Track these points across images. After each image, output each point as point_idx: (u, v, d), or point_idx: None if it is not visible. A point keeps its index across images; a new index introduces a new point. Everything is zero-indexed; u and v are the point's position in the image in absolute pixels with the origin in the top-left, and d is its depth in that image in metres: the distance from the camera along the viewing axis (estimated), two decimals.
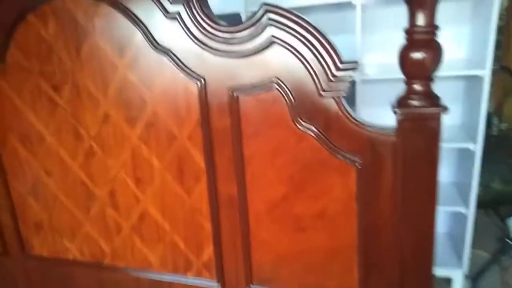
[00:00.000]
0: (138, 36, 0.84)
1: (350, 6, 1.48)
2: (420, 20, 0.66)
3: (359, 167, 0.75)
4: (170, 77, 0.85)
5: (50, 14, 0.90)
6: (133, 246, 1.02)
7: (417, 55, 0.67)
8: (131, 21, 0.83)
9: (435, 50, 0.66)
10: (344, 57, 0.70)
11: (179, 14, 0.78)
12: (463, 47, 1.61)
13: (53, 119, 0.98)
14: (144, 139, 0.91)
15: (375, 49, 1.66)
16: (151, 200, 0.96)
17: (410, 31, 0.67)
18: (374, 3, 1.54)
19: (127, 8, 0.83)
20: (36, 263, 1.15)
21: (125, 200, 0.98)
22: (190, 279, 0.98)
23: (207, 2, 0.79)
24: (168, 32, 0.81)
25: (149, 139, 0.91)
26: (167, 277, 1.00)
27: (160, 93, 0.86)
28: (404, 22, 0.67)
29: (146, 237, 1.00)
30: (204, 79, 0.82)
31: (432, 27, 0.66)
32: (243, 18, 1.60)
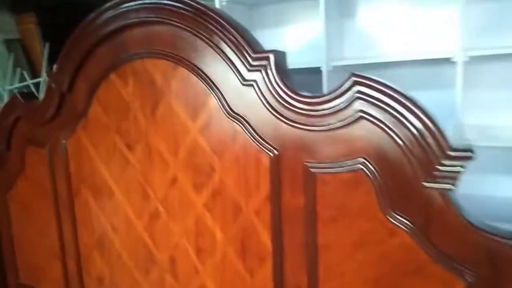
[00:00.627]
0: (212, 101, 0.78)
1: (448, 62, 1.31)
2: None
3: (469, 280, 0.57)
4: (241, 146, 0.76)
5: (130, 74, 0.89)
6: None
7: None
8: (206, 86, 0.78)
9: None
10: (453, 142, 0.55)
11: (255, 82, 0.70)
12: None
13: (124, 176, 0.95)
14: (209, 207, 0.83)
15: (477, 108, 1.43)
16: (210, 274, 0.86)
17: None
18: (477, 60, 1.34)
19: (204, 73, 0.77)
20: None
21: (185, 270, 0.90)
22: None
23: (287, 70, 0.70)
24: (243, 99, 0.74)
25: (214, 208, 0.82)
26: None
27: (230, 161, 0.78)
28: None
29: None
30: (278, 151, 0.72)
31: None
32: (324, 71, 1.51)
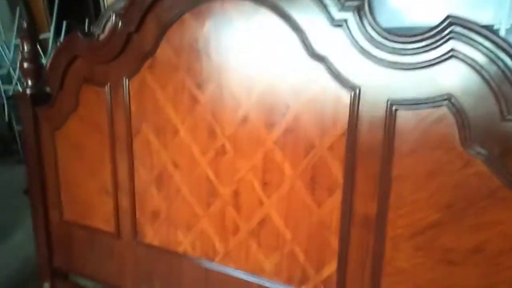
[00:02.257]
0: (294, 41, 0.80)
1: None
2: None
3: None
4: (321, 85, 0.80)
5: (207, 14, 0.90)
6: (248, 249, 0.97)
7: None
8: (290, 26, 0.80)
9: None
10: None
11: (346, 21, 0.73)
12: None
13: (191, 115, 0.97)
14: (280, 144, 0.87)
15: None
16: (275, 206, 0.91)
17: None
18: None
19: (287, 13, 0.80)
20: (146, 250, 1.15)
21: (248, 202, 0.94)
22: None
23: (375, 10, 0.73)
24: (328, 39, 0.77)
25: (286, 145, 0.86)
26: (278, 286, 0.94)
27: (307, 100, 0.82)
28: None
29: (264, 243, 0.94)
30: (360, 89, 0.76)
31: None
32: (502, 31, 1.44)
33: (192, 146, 0.99)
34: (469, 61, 0.64)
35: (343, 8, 0.72)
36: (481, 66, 0.63)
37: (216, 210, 0.99)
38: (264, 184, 0.91)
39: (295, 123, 0.84)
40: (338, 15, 0.73)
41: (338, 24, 0.74)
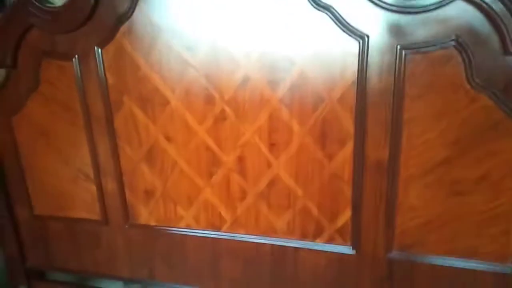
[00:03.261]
0: None
1: None
2: None
3: None
4: (326, 36, 0.78)
5: None
6: (258, 213, 0.96)
7: None
8: None
9: None
10: None
11: None
12: None
13: (182, 81, 0.90)
14: (286, 102, 0.85)
15: None
16: (284, 166, 0.90)
17: None
18: None
19: None
20: (141, 232, 1.08)
21: (255, 166, 0.92)
22: (319, 245, 0.93)
23: None
24: None
25: (292, 102, 0.85)
26: (293, 243, 0.95)
27: (313, 53, 0.80)
28: None
29: (274, 204, 0.94)
30: (368, 37, 0.76)
31: None
32: None
33: (186, 115, 0.93)
34: (476, 1, 0.67)
35: None
36: (487, 4, 0.66)
37: (219, 179, 0.96)
38: (271, 145, 0.89)
39: (302, 79, 0.82)
40: None
41: None
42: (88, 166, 1.05)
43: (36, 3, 0.91)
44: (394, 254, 0.88)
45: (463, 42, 0.70)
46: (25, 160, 1.11)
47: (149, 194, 1.03)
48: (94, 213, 1.10)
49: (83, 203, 1.10)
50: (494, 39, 0.68)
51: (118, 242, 1.12)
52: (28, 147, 1.09)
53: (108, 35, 0.91)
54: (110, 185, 1.05)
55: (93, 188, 1.07)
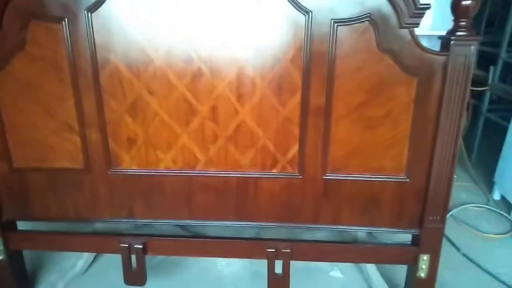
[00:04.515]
0: None
1: None
2: None
3: (419, 79, 1.07)
4: (282, 11, 1.04)
5: None
6: (227, 152, 1.20)
7: (465, 2, 0.99)
8: None
9: (477, 0, 0.99)
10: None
11: None
12: None
13: (164, 42, 1.09)
14: (251, 62, 1.10)
15: None
16: (249, 112, 1.15)
17: None
18: None
19: None
20: (122, 176, 1.24)
21: (225, 114, 1.16)
22: (274, 174, 1.21)
23: None
24: None
25: (256, 61, 1.09)
26: (253, 174, 1.22)
27: (272, 25, 1.05)
28: None
29: (240, 144, 1.19)
30: (312, 13, 1.04)
31: None
32: None
33: (168, 72, 1.12)
34: None
35: None
36: None
37: (195, 126, 1.17)
38: (239, 96, 1.13)
39: (263, 44, 1.07)
40: None
41: None
42: (73, 118, 1.18)
43: None
44: (328, 175, 1.19)
45: (374, 18, 1.02)
46: (6, 116, 1.19)
47: (131, 141, 1.20)
48: (77, 163, 1.23)
49: (66, 154, 1.23)
50: (393, 17, 1.01)
51: (100, 188, 1.27)
52: (11, 103, 1.18)
53: (97, 1, 1.06)
54: (94, 135, 1.20)
55: (77, 139, 1.20)
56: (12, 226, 1.36)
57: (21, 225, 1.40)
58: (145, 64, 1.11)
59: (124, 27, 1.08)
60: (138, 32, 1.08)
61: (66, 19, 1.07)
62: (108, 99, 1.15)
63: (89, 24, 1.07)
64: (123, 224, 1.43)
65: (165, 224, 1.31)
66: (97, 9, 1.06)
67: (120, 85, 1.14)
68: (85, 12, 1.06)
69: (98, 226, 1.57)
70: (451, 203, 1.99)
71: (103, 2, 1.05)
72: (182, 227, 1.70)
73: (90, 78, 1.13)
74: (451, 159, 1.11)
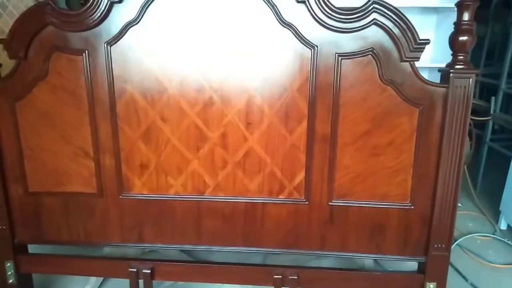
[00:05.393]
0: (268, 13, 1.09)
1: None
2: (466, 17, 1.04)
3: (421, 109, 1.11)
4: (288, 45, 1.10)
5: None
6: (235, 178, 1.23)
7: (462, 38, 1.05)
8: (265, 2, 1.08)
9: (473, 36, 1.05)
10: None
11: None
12: None
13: (178, 73, 1.15)
14: (260, 91, 1.15)
15: None
16: (257, 140, 1.19)
17: (459, 23, 1.05)
18: None
19: None
20: (134, 201, 1.28)
21: (234, 140, 1.20)
22: (281, 199, 1.24)
23: None
24: (294, 11, 1.07)
25: (264, 91, 1.15)
26: (261, 200, 1.24)
27: (280, 57, 1.12)
28: None
29: (248, 170, 1.22)
30: (317, 47, 1.10)
31: (472, 22, 1.04)
32: None
33: (181, 100, 1.18)
34: (383, 26, 1.05)
35: None
36: (390, 29, 1.05)
37: (205, 152, 1.21)
38: (248, 124, 1.18)
39: (272, 75, 1.13)
40: None
41: (302, 1, 1.06)
42: (88, 145, 1.23)
43: (54, 6, 1.10)
44: (334, 201, 1.21)
45: (376, 52, 1.08)
46: (25, 141, 1.24)
47: (143, 167, 1.24)
48: (90, 187, 1.27)
49: (80, 178, 1.27)
50: (394, 51, 1.07)
51: (111, 212, 1.30)
52: (30, 129, 1.23)
53: (117, 36, 1.13)
54: (108, 161, 1.24)
55: (91, 164, 1.25)
56: (23, 249, 1.38)
57: (29, 249, 1.42)
58: (160, 93, 1.17)
59: (141, 58, 1.14)
60: (153, 63, 1.14)
61: (86, 51, 1.14)
62: (123, 126, 1.20)
63: (108, 56, 1.14)
64: (130, 250, 1.44)
65: (171, 250, 1.33)
66: (116, 42, 1.13)
67: (135, 113, 1.19)
68: (105, 45, 1.13)
69: (106, 251, 1.58)
70: (457, 233, 1.98)
71: (122, 36, 1.12)
72: (188, 253, 1.71)
73: (107, 106, 1.18)
74: (455, 187, 1.13)
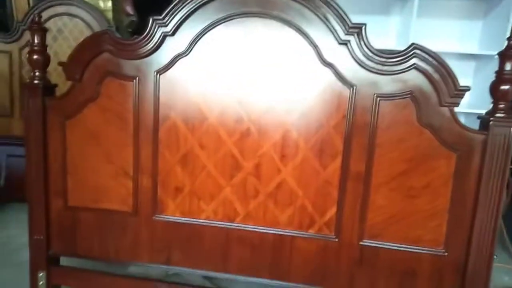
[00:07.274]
0: (311, 53, 1.13)
1: None
2: (508, 67, 1.05)
3: (458, 154, 1.11)
4: (328, 83, 1.14)
5: (240, 27, 1.17)
6: (266, 208, 1.25)
7: (504, 87, 1.05)
8: (307, 42, 1.13)
9: None
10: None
11: (349, 41, 1.10)
12: None
13: (219, 104, 1.21)
14: (296, 125, 1.19)
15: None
16: (290, 172, 1.21)
17: (501, 72, 1.06)
18: None
19: (307, 34, 1.13)
20: (166, 223, 1.31)
21: (268, 171, 1.22)
22: (310, 234, 1.23)
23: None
24: (335, 52, 1.12)
25: (301, 125, 1.18)
26: (290, 233, 1.25)
27: (319, 94, 1.16)
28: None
29: (280, 202, 1.24)
30: (356, 87, 1.13)
31: None
32: None
33: (220, 129, 1.22)
34: (423, 70, 1.07)
35: (347, 32, 1.09)
36: (430, 74, 1.07)
37: (238, 180, 1.24)
38: (282, 156, 1.21)
39: (309, 110, 1.17)
40: (343, 37, 1.10)
41: (343, 43, 1.10)
42: (129, 165, 1.29)
43: (112, 35, 1.20)
44: (365, 241, 1.20)
45: (415, 95, 1.09)
46: (70, 158, 1.32)
47: (178, 190, 1.29)
48: (126, 206, 1.32)
49: (118, 197, 1.32)
50: (434, 96, 1.08)
51: (143, 232, 1.33)
52: (76, 146, 1.31)
53: (166, 66, 1.21)
54: (145, 181, 1.29)
55: (130, 183, 1.30)
56: (56, 261, 1.43)
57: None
58: (200, 122, 1.22)
59: (186, 88, 1.21)
60: (197, 93, 1.21)
61: (137, 78, 1.22)
62: (163, 150, 1.26)
63: (156, 84, 1.21)
64: (154, 271, 1.46)
65: (194, 275, 1.33)
66: (165, 72, 1.21)
67: (176, 139, 1.25)
68: (155, 73, 1.21)
69: (131, 270, 1.60)
70: (492, 286, 1.87)
71: (171, 66, 1.20)
72: (211, 280, 1.71)
73: (150, 130, 1.25)
74: (491, 235, 1.10)
